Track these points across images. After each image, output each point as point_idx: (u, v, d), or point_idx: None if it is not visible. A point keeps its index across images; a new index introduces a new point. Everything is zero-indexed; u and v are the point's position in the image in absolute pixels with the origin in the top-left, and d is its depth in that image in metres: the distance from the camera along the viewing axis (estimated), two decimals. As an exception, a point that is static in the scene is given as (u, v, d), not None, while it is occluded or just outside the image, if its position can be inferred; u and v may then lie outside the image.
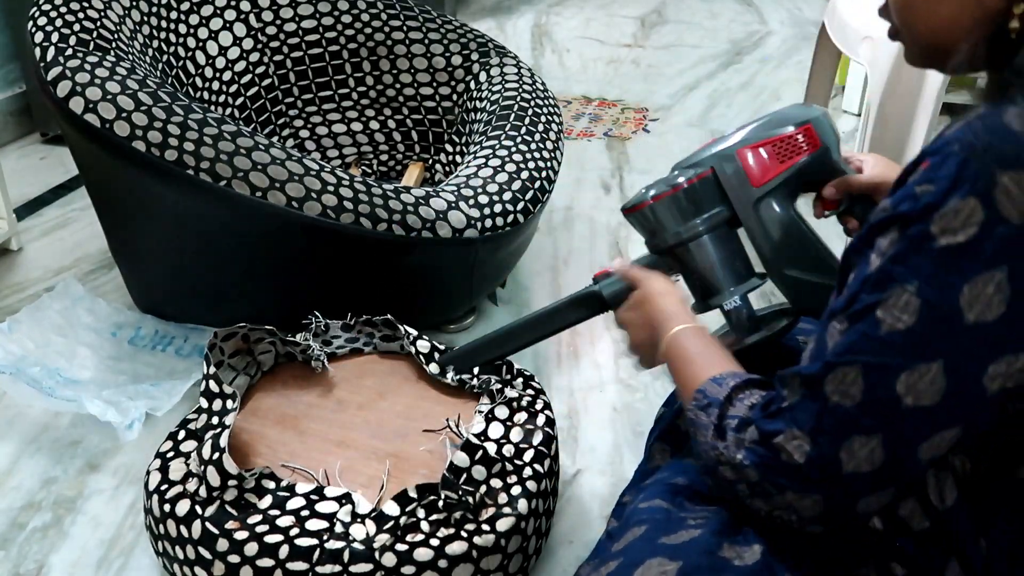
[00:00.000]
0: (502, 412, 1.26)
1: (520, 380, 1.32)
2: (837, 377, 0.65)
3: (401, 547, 1.04)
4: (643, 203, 0.98)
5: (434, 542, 1.05)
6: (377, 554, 1.03)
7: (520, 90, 1.90)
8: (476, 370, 1.31)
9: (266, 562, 1.03)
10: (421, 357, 1.36)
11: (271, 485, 1.12)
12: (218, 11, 1.93)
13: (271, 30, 2.01)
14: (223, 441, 1.12)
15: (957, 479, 0.73)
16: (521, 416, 1.25)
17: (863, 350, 0.64)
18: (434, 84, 2.07)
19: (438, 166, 2.11)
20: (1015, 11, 0.63)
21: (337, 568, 1.02)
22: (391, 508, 1.07)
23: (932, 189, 0.61)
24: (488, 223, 1.57)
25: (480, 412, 1.26)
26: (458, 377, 1.31)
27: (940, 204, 0.60)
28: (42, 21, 1.55)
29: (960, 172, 0.59)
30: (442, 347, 1.39)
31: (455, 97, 2.06)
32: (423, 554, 1.04)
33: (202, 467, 1.10)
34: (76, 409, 1.48)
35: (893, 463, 0.65)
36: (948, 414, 0.63)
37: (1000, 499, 0.71)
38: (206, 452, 1.11)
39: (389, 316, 1.42)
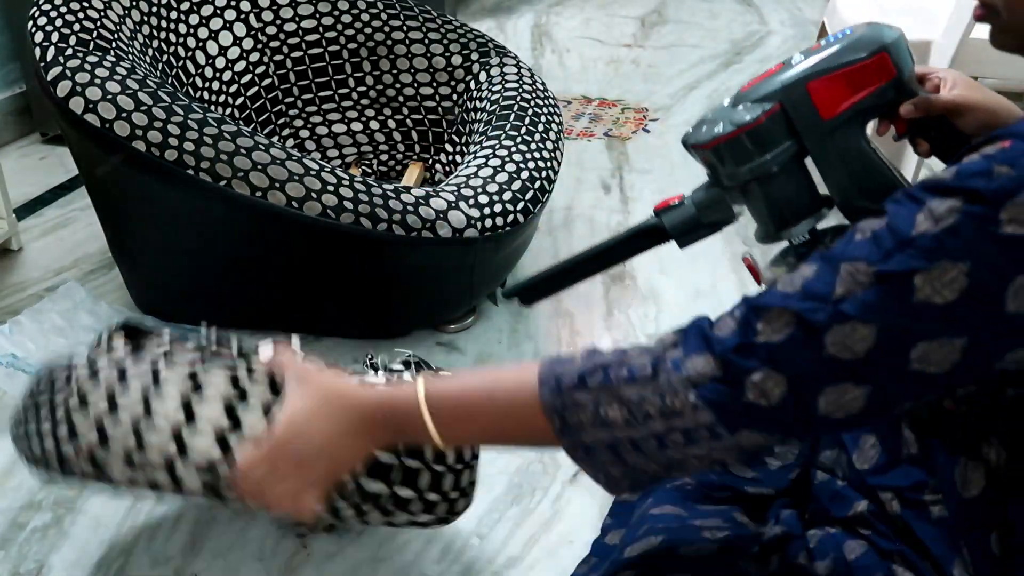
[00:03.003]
0: None
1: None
2: (845, 330, 0.61)
3: None
4: (709, 143, 0.88)
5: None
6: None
7: (520, 90, 1.90)
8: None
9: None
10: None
11: None
12: (218, 11, 1.93)
13: (271, 30, 2.01)
14: None
15: (988, 470, 0.73)
16: None
17: (887, 311, 0.61)
18: (434, 84, 2.07)
19: (438, 166, 2.11)
20: None
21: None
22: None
23: (1011, 173, 0.58)
24: (488, 223, 1.57)
25: None
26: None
27: (1016, 192, 0.58)
28: (42, 21, 1.55)
29: None
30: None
31: (455, 97, 2.06)
32: None
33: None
34: None
35: (870, 412, 0.64)
36: (946, 380, 0.62)
37: None
38: None
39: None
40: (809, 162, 0.90)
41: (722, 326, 0.67)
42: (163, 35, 1.81)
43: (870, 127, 0.90)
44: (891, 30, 0.87)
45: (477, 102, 1.97)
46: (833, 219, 0.93)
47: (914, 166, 1.73)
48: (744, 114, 0.88)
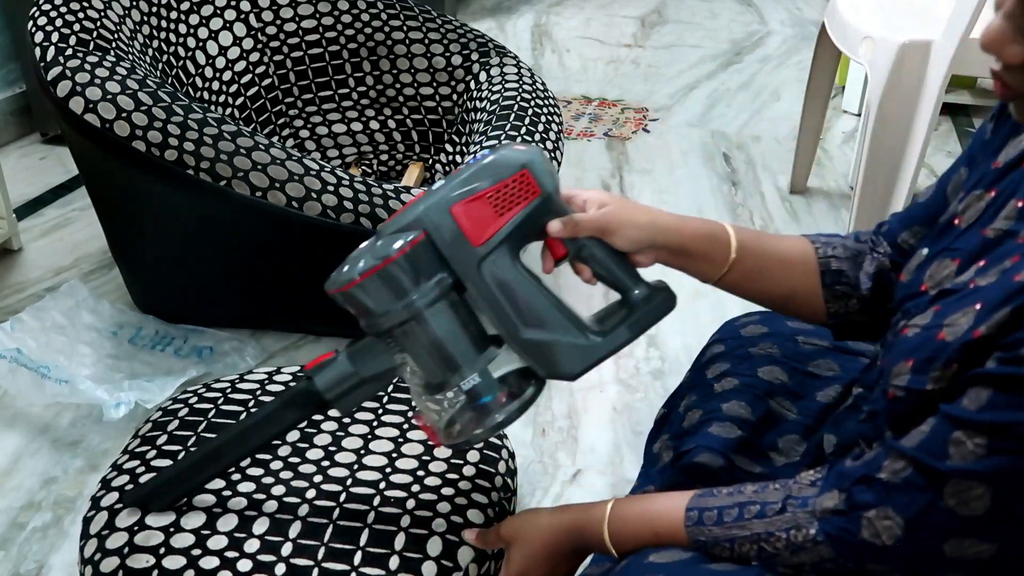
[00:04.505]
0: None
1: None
2: (963, 488, 0.63)
3: None
4: (349, 283, 0.80)
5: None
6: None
7: (520, 90, 1.90)
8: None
9: None
10: None
11: None
12: (218, 11, 1.93)
13: (271, 30, 2.01)
14: None
15: None
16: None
17: (1006, 480, 0.62)
18: (434, 84, 2.07)
19: (438, 166, 2.11)
20: None
21: None
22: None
23: None
24: (488, 223, 1.57)
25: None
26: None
27: None
28: (42, 21, 1.55)
29: None
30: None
31: (455, 97, 2.06)
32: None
33: None
34: (68, 394, 1.49)
35: (1002, 557, 0.64)
36: None
37: None
38: None
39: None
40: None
41: (859, 459, 0.70)
42: (163, 35, 1.81)
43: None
44: (529, 149, 0.84)
45: (477, 102, 1.97)
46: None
47: (910, 179, 1.73)
48: (386, 246, 0.80)
